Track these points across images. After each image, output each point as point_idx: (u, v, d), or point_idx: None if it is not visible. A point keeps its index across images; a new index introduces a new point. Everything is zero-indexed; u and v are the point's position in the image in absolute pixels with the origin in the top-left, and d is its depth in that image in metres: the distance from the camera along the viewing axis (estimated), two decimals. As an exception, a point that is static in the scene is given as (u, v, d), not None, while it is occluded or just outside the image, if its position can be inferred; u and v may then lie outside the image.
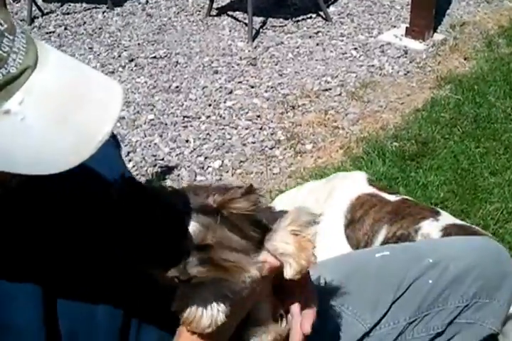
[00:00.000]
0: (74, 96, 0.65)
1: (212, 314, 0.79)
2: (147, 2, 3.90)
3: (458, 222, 1.81)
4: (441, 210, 1.88)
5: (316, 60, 3.21)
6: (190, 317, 0.80)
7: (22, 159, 0.62)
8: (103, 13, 3.77)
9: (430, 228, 1.72)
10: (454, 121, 2.71)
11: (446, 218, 1.80)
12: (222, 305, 0.80)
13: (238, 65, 3.19)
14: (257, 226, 0.80)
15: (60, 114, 0.63)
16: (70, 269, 0.80)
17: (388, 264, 1.21)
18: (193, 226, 0.75)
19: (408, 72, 3.11)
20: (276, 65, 3.19)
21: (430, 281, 1.18)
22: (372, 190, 1.89)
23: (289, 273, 0.82)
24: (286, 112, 2.81)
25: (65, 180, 0.73)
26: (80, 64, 0.72)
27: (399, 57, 3.22)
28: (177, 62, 3.22)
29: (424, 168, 2.44)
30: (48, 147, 0.62)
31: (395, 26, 3.55)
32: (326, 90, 2.95)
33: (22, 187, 0.74)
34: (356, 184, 1.93)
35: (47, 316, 0.76)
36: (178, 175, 2.44)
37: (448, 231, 1.70)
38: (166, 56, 3.27)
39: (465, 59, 3.20)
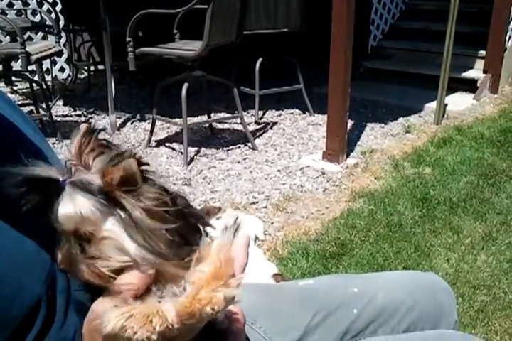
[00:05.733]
0: None
1: None
2: (91, 135, 4.25)
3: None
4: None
5: (245, 180, 3.56)
6: None
7: None
8: (53, 144, 4.07)
9: None
10: (369, 226, 3.03)
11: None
12: None
13: (174, 184, 3.47)
14: None
15: None
16: None
17: (309, 291, 1.12)
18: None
19: (326, 189, 3.48)
20: (208, 184, 3.51)
21: (355, 311, 1.06)
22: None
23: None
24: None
25: None
26: None
27: (317, 177, 3.62)
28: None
29: (344, 264, 2.69)
30: None
31: (312, 153, 4.01)
32: (254, 203, 3.25)
33: None
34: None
35: None
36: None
37: None
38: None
39: (375, 178, 3.63)
